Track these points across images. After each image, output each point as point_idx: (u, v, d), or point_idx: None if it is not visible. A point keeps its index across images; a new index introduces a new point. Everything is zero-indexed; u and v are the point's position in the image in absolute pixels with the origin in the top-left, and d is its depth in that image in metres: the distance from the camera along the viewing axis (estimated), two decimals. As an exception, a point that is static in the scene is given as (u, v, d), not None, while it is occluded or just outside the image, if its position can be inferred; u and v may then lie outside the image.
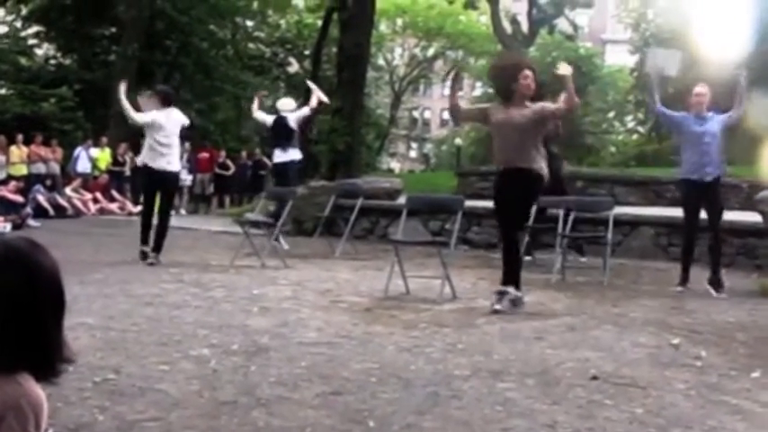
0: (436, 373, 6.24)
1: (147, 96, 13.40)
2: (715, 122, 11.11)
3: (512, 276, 9.12)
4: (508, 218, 9.26)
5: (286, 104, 16.68)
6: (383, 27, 55.52)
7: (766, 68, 31.55)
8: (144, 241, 12.72)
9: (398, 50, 65.52)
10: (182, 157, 27.53)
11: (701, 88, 11.38)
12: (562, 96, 9.25)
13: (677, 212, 15.31)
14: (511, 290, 9.05)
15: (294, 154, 15.51)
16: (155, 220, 12.83)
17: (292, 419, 4.99)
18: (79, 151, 27.09)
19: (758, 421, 5.27)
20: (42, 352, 2.45)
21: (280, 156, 15.63)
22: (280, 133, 15.64)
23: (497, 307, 8.92)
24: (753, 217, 12.52)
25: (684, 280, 11.15)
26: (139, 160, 14.10)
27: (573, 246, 13.10)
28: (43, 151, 25.22)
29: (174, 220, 13.63)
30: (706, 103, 11.24)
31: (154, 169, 12.60)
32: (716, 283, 10.97)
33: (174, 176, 13.06)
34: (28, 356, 2.42)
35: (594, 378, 6.19)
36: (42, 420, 2.47)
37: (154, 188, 13.06)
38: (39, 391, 2.47)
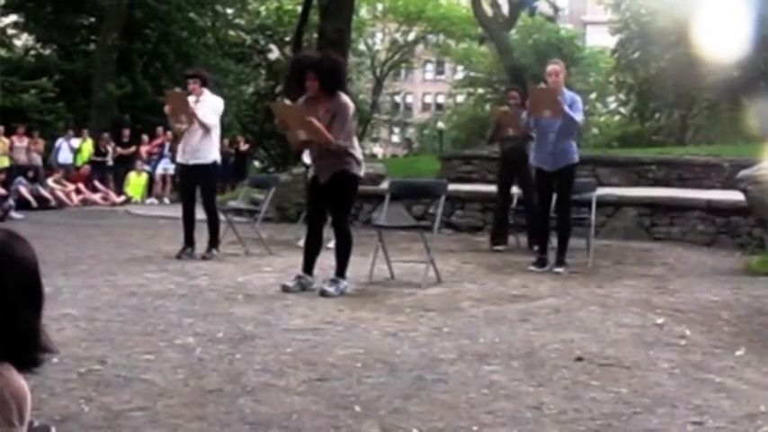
0: (422, 357, 6.25)
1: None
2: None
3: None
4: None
5: None
6: (363, 12, 55.44)
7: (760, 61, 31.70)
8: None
9: (379, 35, 65.42)
10: (164, 146, 27.61)
11: (555, 66, 11.27)
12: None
13: (660, 193, 15.44)
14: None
15: None
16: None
17: (279, 406, 4.99)
18: (61, 142, 27.05)
19: (743, 399, 5.29)
20: (21, 342, 2.44)
21: None
22: None
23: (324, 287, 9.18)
24: (735, 196, 12.55)
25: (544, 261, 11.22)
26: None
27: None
28: (25, 142, 25.14)
29: (157, 210, 13.53)
30: (561, 84, 11.14)
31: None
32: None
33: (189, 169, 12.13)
34: (7, 347, 2.41)
35: (579, 359, 6.21)
36: (26, 411, 2.46)
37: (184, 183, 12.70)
38: (21, 381, 2.46)
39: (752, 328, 7.59)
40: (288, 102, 9.65)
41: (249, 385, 5.41)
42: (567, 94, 11.17)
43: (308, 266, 9.40)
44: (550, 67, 11.21)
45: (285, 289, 9.08)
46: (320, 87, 9.13)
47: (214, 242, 12.03)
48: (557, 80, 11.03)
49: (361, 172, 9.37)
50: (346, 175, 9.16)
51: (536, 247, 11.76)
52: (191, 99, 11.75)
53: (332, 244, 9.81)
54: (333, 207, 9.41)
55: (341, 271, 9.21)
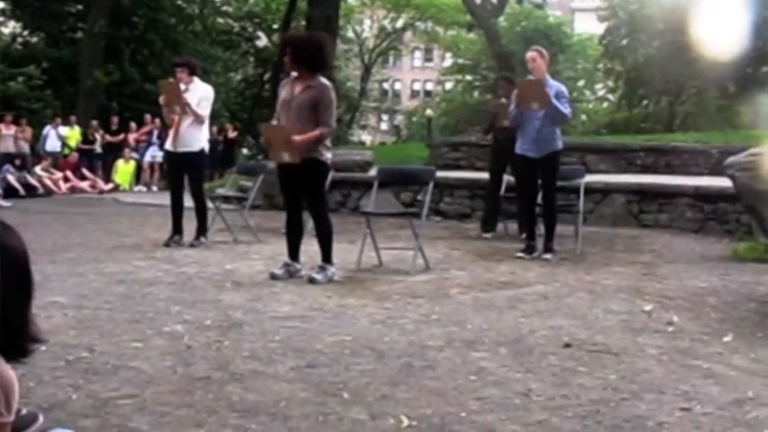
0: (410, 344, 6.25)
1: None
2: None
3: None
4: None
5: None
6: (351, -1, 55.40)
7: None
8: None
9: (367, 22, 65.40)
10: (152, 134, 27.57)
11: (531, 53, 11.30)
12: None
13: (648, 179, 15.46)
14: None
15: None
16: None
17: (267, 393, 4.99)
18: (48, 130, 26.97)
19: (730, 385, 5.30)
20: (10, 332, 2.43)
21: None
22: None
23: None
24: (723, 182, 12.58)
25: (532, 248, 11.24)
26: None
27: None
28: (12, 130, 25.05)
29: (145, 197, 13.49)
30: (540, 71, 11.10)
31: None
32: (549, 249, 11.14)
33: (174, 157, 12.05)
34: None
35: (568, 345, 6.22)
36: (13, 400, 2.46)
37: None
38: (9, 370, 2.45)
39: (739, 314, 7.61)
40: (275, 122, 9.55)
41: (237, 372, 5.41)
42: (553, 84, 11.16)
43: (293, 253, 9.39)
44: (528, 54, 11.26)
45: (273, 276, 9.08)
46: (292, 63, 9.11)
47: (202, 230, 12.01)
48: (534, 66, 11.04)
49: (329, 158, 9.33)
50: (316, 162, 9.06)
51: (524, 235, 11.76)
52: (181, 88, 11.71)
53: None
54: (307, 196, 9.33)
55: (326, 257, 9.20)
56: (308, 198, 9.34)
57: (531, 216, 11.48)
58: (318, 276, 8.94)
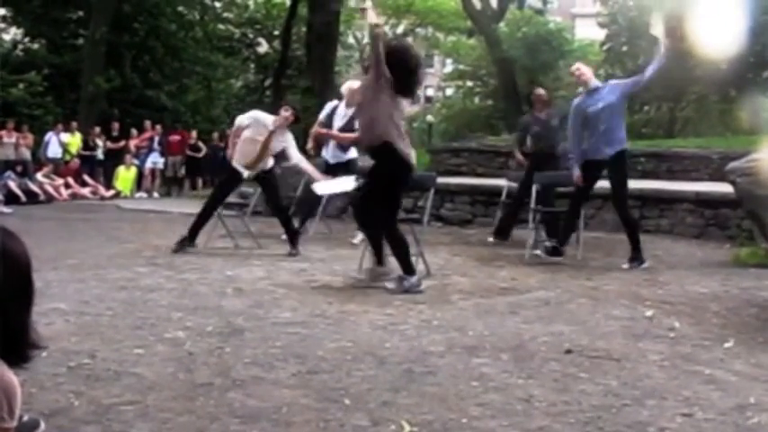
0: (411, 349, 6.25)
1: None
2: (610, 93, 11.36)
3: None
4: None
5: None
6: (352, 4, 55.31)
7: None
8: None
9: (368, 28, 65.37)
10: (153, 140, 27.61)
11: (573, 67, 12.00)
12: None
13: (649, 185, 15.45)
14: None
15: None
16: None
17: (268, 399, 4.99)
18: (50, 137, 26.97)
19: (732, 390, 5.30)
20: (11, 337, 2.44)
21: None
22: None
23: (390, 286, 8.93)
24: (724, 188, 12.57)
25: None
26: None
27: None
28: (14, 138, 25.04)
29: (146, 204, 13.50)
30: (586, 78, 11.59)
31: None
32: (637, 258, 11.00)
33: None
34: (-2, 342, 2.41)
35: (569, 351, 6.21)
36: (16, 405, 2.46)
37: None
38: (11, 376, 2.46)
39: (741, 319, 7.61)
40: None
41: (239, 379, 5.41)
42: (608, 85, 11.38)
43: (378, 257, 9.33)
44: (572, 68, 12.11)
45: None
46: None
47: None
48: (578, 74, 11.65)
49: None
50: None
51: (547, 243, 11.73)
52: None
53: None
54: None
55: (404, 269, 8.95)
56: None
57: (573, 221, 11.53)
58: (389, 285, 8.85)
